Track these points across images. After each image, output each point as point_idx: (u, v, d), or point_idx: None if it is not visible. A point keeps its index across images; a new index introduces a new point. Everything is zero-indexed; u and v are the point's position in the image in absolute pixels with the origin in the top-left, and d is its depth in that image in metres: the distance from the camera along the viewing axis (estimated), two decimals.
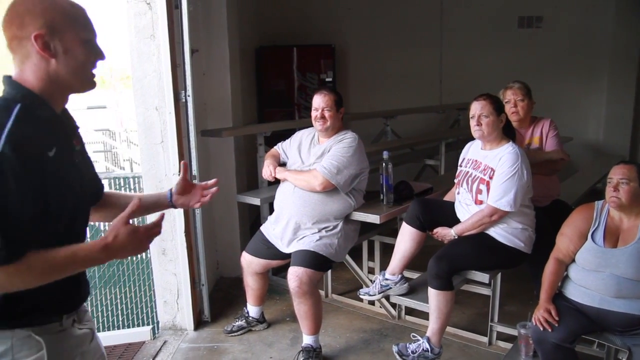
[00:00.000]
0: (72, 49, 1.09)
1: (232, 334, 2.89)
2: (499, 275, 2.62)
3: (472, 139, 2.52)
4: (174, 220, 2.79)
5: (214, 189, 1.51)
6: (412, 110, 5.52)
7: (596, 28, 5.58)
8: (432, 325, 2.38)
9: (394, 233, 2.78)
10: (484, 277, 2.41)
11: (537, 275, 2.24)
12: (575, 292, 2.10)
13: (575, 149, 4.28)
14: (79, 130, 1.25)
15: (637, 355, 1.95)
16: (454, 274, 2.37)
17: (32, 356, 1.07)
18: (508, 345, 2.59)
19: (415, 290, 2.57)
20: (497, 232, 2.37)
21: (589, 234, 2.08)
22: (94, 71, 1.16)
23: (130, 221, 1.10)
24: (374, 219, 2.66)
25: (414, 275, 2.96)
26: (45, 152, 1.04)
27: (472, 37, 5.74)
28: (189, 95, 2.73)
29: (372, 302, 3.12)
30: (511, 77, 2.89)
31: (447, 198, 2.73)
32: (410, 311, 3.01)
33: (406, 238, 2.53)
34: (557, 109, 4.59)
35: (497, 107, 2.39)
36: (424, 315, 2.64)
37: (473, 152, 2.54)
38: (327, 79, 5.42)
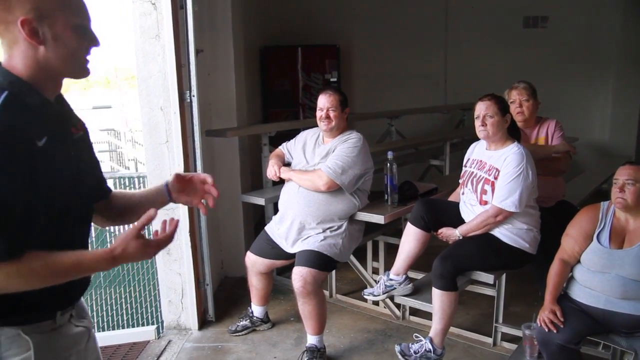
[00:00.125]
0: (63, 36, 1.02)
1: (237, 334, 2.89)
2: (503, 276, 2.61)
3: (477, 139, 2.51)
4: (178, 220, 2.79)
5: (214, 191, 1.40)
6: (417, 110, 5.51)
7: (602, 28, 5.55)
8: (435, 326, 2.38)
9: (399, 233, 2.78)
10: (488, 277, 2.40)
11: (542, 276, 2.23)
12: (581, 293, 2.09)
13: (580, 149, 4.23)
14: (79, 115, 1.19)
15: None
16: (458, 274, 2.36)
17: (20, 355, 1.04)
18: (513, 347, 2.58)
19: (419, 290, 2.56)
20: (502, 233, 2.37)
21: (595, 235, 2.07)
22: (88, 57, 1.09)
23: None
24: (378, 219, 2.66)
25: (418, 275, 2.96)
26: (34, 142, 0.98)
27: (477, 37, 5.72)
28: (193, 96, 2.73)
29: (376, 303, 3.12)
30: (516, 77, 2.87)
31: (451, 198, 2.72)
32: (414, 312, 3.00)
33: (410, 238, 2.53)
34: (562, 109, 4.58)
35: (502, 107, 2.38)
36: (429, 316, 2.63)
37: (478, 153, 2.53)
38: (332, 79, 5.41)
